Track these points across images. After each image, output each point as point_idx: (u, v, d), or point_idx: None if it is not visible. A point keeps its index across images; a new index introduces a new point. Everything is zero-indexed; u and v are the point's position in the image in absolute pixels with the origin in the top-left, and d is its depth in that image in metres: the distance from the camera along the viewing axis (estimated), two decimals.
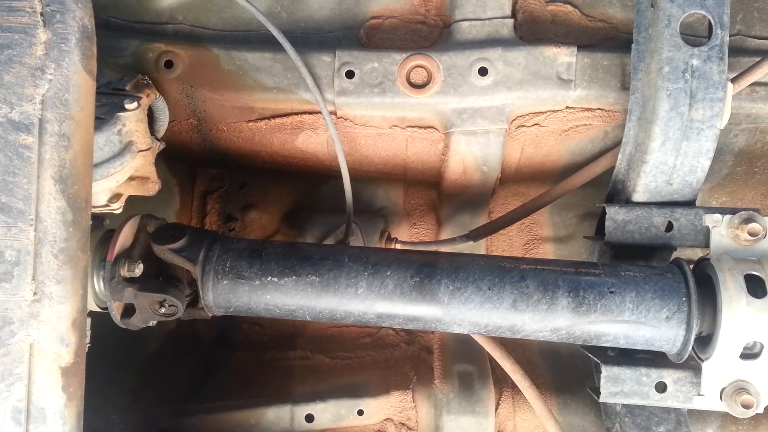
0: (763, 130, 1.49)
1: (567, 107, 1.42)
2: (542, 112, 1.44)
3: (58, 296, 0.93)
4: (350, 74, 1.39)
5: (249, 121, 1.49)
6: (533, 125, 1.46)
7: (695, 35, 1.35)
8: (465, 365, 1.53)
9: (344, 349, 1.67)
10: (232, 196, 1.76)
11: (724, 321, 1.08)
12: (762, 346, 1.11)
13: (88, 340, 1.36)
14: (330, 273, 1.15)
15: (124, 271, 1.19)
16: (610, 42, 1.45)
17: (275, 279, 1.15)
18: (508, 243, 1.70)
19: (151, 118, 1.41)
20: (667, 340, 1.13)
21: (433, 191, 1.69)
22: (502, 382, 1.54)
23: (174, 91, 1.43)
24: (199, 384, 1.60)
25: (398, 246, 1.53)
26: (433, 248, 1.53)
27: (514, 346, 1.58)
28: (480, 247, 1.57)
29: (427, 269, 1.14)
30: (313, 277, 1.15)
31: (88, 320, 1.37)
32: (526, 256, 1.69)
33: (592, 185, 1.47)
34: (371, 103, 1.40)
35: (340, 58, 1.39)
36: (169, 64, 1.41)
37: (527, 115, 1.44)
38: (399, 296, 1.13)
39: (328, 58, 1.39)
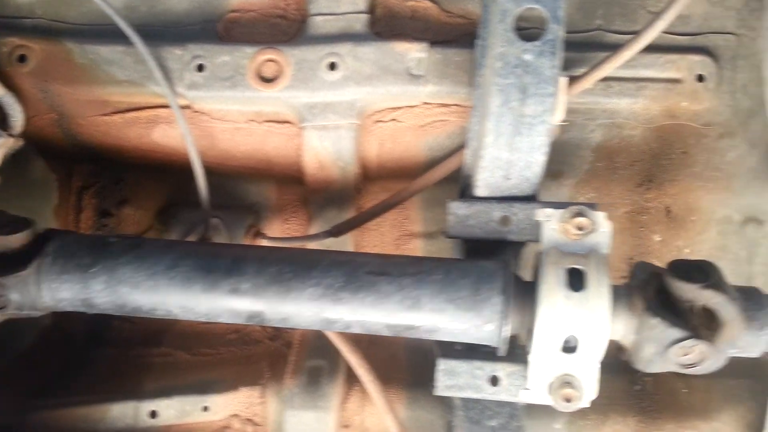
0: (620, 125, 1.49)
1: (424, 103, 1.42)
2: (399, 108, 1.43)
3: None
4: (201, 68, 1.38)
5: (104, 114, 1.48)
6: (390, 120, 1.46)
7: (538, 28, 1.35)
8: (318, 360, 1.52)
9: (208, 346, 1.66)
10: (108, 191, 1.74)
11: (540, 315, 1.08)
12: (578, 340, 1.11)
13: None
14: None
15: None
16: (468, 38, 1.44)
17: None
18: (379, 239, 1.68)
19: (3, 114, 1.40)
20: (486, 341, 1.13)
21: (304, 187, 1.68)
22: (356, 377, 1.53)
23: (27, 86, 1.42)
24: (61, 381, 1.58)
25: (264, 242, 1.53)
26: (297, 244, 1.53)
27: (382, 342, 1.57)
28: (346, 243, 1.56)
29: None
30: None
31: None
32: (396, 252, 1.68)
33: (458, 181, 1.47)
34: (222, 97, 1.39)
35: (191, 51, 1.38)
36: (22, 59, 1.40)
37: (384, 110, 1.44)
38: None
39: (179, 51, 1.39)
